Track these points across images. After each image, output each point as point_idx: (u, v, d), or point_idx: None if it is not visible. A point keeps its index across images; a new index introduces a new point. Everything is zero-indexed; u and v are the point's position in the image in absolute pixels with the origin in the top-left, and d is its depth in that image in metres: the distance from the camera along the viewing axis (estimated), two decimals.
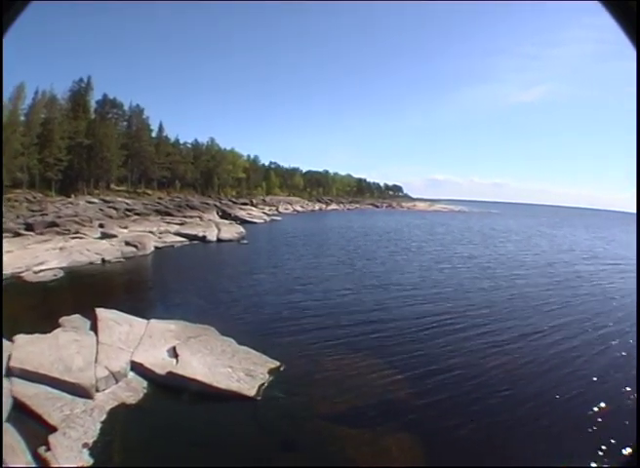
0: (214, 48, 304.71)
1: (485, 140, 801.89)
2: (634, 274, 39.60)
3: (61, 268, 26.89)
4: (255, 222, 72.91)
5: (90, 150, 70.28)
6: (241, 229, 54.37)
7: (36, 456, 8.52)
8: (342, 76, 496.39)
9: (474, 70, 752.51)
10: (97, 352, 13.05)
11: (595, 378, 15.19)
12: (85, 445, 9.13)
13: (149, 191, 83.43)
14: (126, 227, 45.80)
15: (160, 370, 12.86)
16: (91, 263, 29.66)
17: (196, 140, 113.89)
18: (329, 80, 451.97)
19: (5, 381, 10.78)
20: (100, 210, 52.88)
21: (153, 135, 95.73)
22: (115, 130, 79.77)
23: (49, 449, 8.71)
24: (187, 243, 44.14)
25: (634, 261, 48.42)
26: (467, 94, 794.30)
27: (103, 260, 30.61)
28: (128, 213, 55.31)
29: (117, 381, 12.13)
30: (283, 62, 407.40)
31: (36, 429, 9.43)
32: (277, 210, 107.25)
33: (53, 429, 9.46)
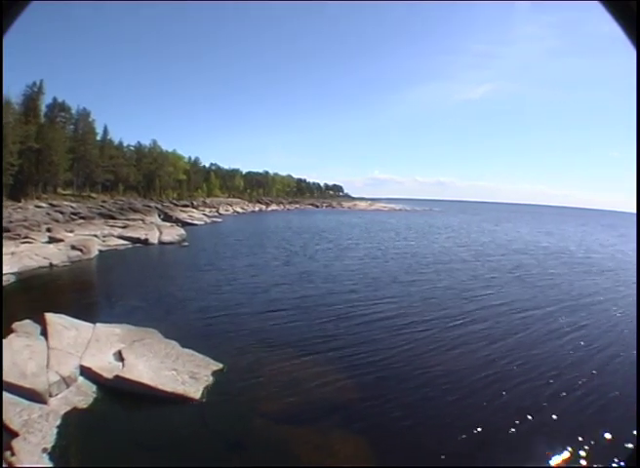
0: (153, 50, 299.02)
1: (429, 139, 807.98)
2: (572, 264, 42.17)
3: (13, 273, 26.07)
4: (195, 224, 72.27)
5: (39, 154, 67.36)
6: (182, 231, 53.71)
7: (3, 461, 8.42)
8: (283, 77, 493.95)
9: (421, 69, 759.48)
10: (48, 357, 12.82)
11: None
12: (44, 449, 9.10)
13: (94, 194, 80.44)
14: (72, 231, 44.41)
15: (108, 375, 12.75)
16: (40, 268, 28.84)
17: (139, 143, 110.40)
18: (269, 81, 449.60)
19: None
20: (48, 214, 51.12)
21: (98, 138, 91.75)
22: (63, 133, 76.65)
23: (13, 454, 8.63)
24: (130, 246, 43.45)
25: (577, 253, 51.07)
26: (413, 92, 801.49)
27: (51, 265, 29.83)
28: (73, 216, 53.73)
29: (68, 386, 11.99)
30: (222, 64, 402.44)
31: None
32: (218, 211, 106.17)
33: (15, 434, 9.36)
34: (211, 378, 13.27)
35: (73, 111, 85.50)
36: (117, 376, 12.65)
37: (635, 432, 10.24)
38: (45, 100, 78.18)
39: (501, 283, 31.02)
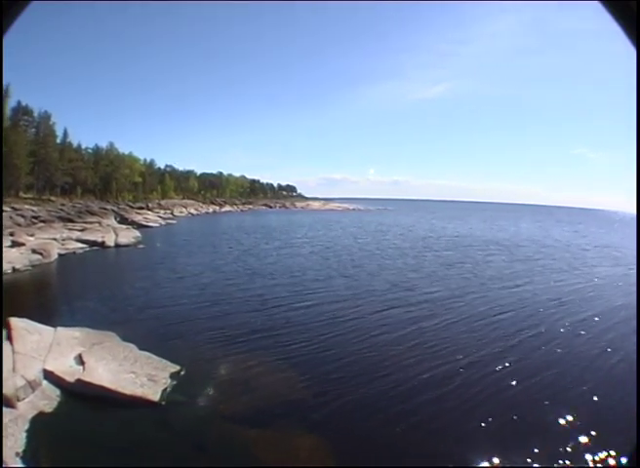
0: (110, 53, 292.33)
1: (384, 138, 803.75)
2: (519, 257, 44.15)
3: None
4: (151, 226, 70.66)
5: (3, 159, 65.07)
6: (137, 234, 52.73)
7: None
8: (236, 77, 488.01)
9: (376, 68, 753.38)
10: (13, 361, 12.51)
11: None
12: (17, 453, 8.99)
13: (53, 198, 76.58)
14: (32, 235, 42.90)
15: (70, 378, 12.58)
16: (4, 272, 27.39)
17: (97, 145, 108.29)
18: (222, 81, 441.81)
19: None
20: (11, 218, 48.75)
21: (58, 140, 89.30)
22: (25, 137, 74.13)
23: None
24: (88, 248, 42.14)
25: (526, 247, 52.82)
26: (367, 92, 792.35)
27: (14, 269, 28.72)
28: (34, 220, 51.69)
29: (34, 390, 11.76)
30: (176, 65, 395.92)
31: None
32: (172, 213, 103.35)
33: None
34: (169, 381, 13.15)
35: (35, 114, 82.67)
36: (79, 380, 12.49)
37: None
38: (9, 104, 75.54)
39: (443, 276, 32.19)
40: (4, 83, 72.72)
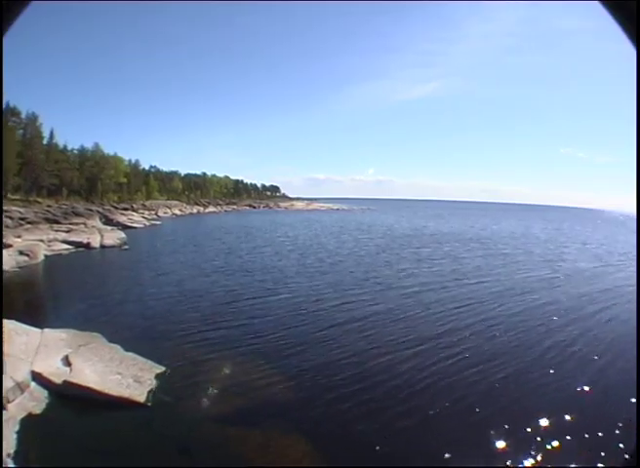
0: (99, 53, 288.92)
1: (369, 138, 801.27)
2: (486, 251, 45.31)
3: None
4: (135, 227, 69.73)
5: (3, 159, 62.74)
6: (122, 235, 51.98)
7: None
8: (223, 77, 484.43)
9: (362, 69, 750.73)
10: (2, 363, 12.16)
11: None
12: (8, 455, 8.90)
13: (40, 199, 74.30)
14: (19, 236, 41.93)
15: (57, 380, 12.47)
16: None
17: (82, 146, 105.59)
18: (208, 81, 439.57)
19: None
20: None
21: (45, 141, 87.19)
22: (13, 138, 72.11)
23: None
24: (74, 250, 41.63)
25: (507, 245, 53.46)
26: (353, 92, 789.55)
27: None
28: (21, 221, 50.65)
29: (22, 392, 11.63)
30: (159, 66, 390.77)
31: None
32: (157, 214, 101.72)
33: None
34: (154, 382, 13.06)
35: (23, 116, 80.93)
36: (66, 381, 12.40)
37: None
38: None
39: (417, 272, 32.83)
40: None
